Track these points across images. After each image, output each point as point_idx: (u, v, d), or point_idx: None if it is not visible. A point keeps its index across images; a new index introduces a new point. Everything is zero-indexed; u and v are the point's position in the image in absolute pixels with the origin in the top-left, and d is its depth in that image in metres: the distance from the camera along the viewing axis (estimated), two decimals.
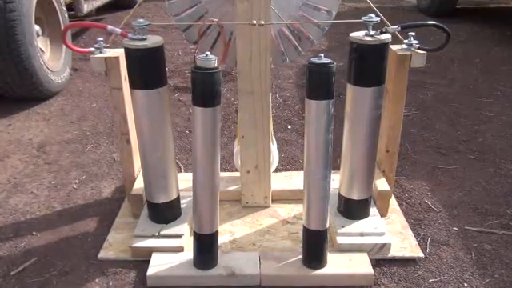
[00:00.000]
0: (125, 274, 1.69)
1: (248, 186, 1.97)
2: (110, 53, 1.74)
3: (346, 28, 4.26)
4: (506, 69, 3.81)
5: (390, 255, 1.74)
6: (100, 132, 2.81)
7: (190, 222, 1.82)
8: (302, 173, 1.83)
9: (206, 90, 1.44)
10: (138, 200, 1.91)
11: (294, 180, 2.11)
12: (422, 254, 1.75)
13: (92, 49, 1.74)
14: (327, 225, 1.60)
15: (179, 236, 1.76)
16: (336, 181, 1.86)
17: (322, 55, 1.44)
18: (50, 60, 3.39)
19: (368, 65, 1.61)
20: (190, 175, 1.62)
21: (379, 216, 1.85)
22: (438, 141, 2.66)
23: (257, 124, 1.85)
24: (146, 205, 1.86)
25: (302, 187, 1.61)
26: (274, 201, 2.02)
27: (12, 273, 1.71)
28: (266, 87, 1.79)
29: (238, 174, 2.04)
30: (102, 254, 1.78)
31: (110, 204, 2.11)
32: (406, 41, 1.72)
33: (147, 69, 1.60)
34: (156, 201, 1.78)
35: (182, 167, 2.42)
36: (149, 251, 1.71)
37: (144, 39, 1.58)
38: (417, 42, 1.71)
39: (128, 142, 1.88)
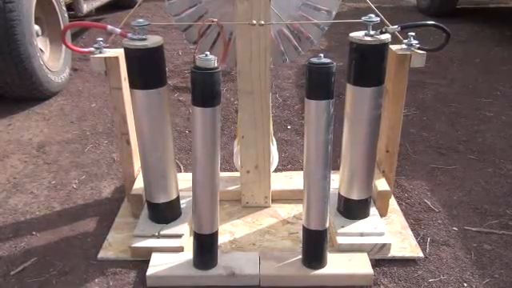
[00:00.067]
0: (124, 274, 1.69)
1: (248, 186, 1.97)
2: (109, 53, 1.74)
3: (345, 28, 4.26)
4: (506, 69, 3.81)
5: (389, 255, 1.74)
6: (100, 132, 2.81)
7: (189, 222, 1.82)
8: (301, 173, 1.83)
9: (205, 90, 1.44)
10: (138, 200, 1.91)
11: (293, 180, 2.11)
12: (421, 254, 1.76)
13: (92, 49, 1.74)
14: (327, 225, 1.60)
15: (179, 236, 1.76)
16: (336, 181, 1.86)
17: (322, 55, 1.44)
18: (50, 60, 3.39)
19: (368, 65, 1.60)
20: (189, 175, 1.62)
21: (379, 216, 1.85)
22: (437, 141, 2.66)
23: (257, 124, 1.85)
24: (145, 205, 1.86)
25: (301, 187, 1.61)
26: (273, 201, 2.02)
27: (12, 273, 1.71)
28: (265, 87, 1.79)
29: (237, 174, 2.04)
30: (102, 254, 1.78)
31: (110, 204, 2.11)
32: (405, 41, 1.72)
33: (147, 69, 1.60)
34: (156, 201, 1.78)
35: (181, 167, 2.42)
36: (148, 251, 1.71)
37: (144, 39, 1.58)
38: (417, 42, 1.71)
39: (128, 142, 1.88)
